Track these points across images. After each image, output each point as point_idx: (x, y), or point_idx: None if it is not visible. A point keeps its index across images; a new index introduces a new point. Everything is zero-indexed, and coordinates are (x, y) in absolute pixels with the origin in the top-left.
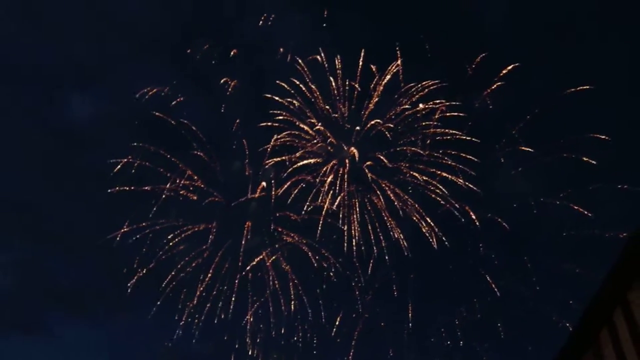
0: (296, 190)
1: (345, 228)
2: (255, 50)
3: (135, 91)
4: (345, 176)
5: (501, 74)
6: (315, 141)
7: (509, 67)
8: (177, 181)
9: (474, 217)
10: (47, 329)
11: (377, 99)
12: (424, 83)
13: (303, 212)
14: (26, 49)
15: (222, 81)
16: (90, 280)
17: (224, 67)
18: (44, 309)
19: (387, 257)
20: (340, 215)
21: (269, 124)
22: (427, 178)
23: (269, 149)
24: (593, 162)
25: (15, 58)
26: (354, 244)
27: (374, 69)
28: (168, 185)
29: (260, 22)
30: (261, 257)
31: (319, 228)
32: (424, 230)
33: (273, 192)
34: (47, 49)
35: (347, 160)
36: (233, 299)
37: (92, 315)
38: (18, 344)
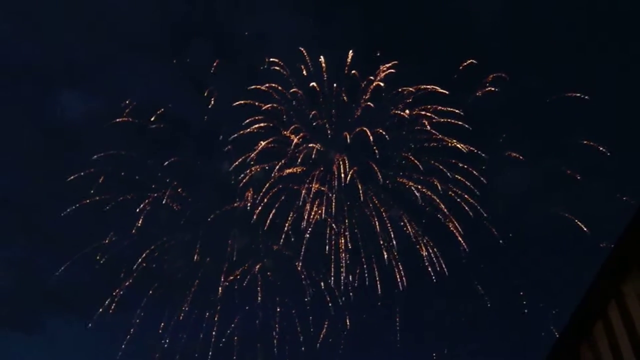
0: (282, 198)
1: (333, 235)
2: (244, 56)
3: (121, 96)
4: (334, 183)
5: (486, 81)
6: (302, 148)
7: (490, 77)
8: (164, 191)
9: (459, 226)
10: (43, 327)
11: (365, 105)
12: (413, 88)
13: (289, 220)
14: (20, 48)
15: (208, 89)
16: (84, 281)
17: (211, 73)
18: (39, 308)
19: (374, 265)
20: (328, 223)
21: (256, 130)
22: (414, 184)
23: (254, 157)
24: (577, 175)
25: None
26: (341, 251)
27: (365, 75)
28: (155, 194)
29: (247, 32)
30: (247, 266)
31: (306, 236)
32: (412, 239)
33: (259, 200)
34: (39, 48)
35: (335, 167)
36: (219, 308)
37: (86, 316)
38: (13, 342)
